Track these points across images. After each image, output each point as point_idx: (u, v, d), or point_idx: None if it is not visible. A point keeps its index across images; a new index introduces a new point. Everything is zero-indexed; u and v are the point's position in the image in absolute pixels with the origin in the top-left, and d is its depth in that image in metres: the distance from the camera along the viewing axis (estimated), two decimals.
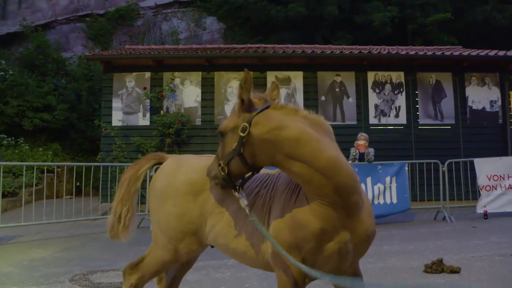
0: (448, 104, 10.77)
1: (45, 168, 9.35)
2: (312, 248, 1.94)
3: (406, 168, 8.03)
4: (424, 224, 7.80)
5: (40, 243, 6.51)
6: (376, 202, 7.62)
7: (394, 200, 7.80)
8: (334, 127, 2.07)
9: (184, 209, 2.39)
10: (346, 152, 7.70)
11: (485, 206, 8.01)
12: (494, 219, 7.82)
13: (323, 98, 10.69)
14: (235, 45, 13.52)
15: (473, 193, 8.49)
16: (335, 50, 11.72)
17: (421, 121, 10.70)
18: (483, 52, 11.17)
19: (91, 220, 8.29)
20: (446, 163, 8.30)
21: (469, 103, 10.82)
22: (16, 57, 17.75)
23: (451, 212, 8.18)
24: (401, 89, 10.76)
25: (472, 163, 8.37)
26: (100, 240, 6.67)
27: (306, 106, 9.19)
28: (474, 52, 11.30)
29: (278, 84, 2.16)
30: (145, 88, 10.44)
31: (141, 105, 10.57)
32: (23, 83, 14.35)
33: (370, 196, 7.59)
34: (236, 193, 2.09)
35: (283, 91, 10.49)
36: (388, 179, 7.82)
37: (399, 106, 10.69)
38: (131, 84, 10.63)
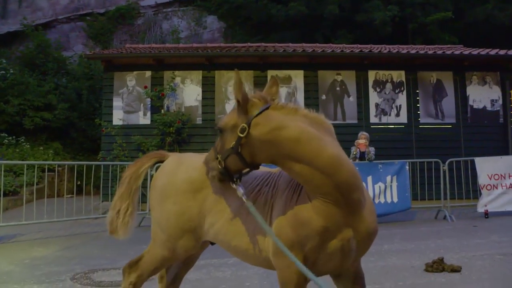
0: (449, 103, 10.76)
1: (46, 167, 9.36)
2: (315, 245, 1.94)
3: (407, 167, 8.03)
4: (425, 223, 7.80)
5: (41, 242, 6.52)
6: (377, 201, 7.63)
7: (395, 199, 7.80)
8: (334, 126, 2.06)
9: (184, 207, 2.40)
10: (346, 151, 7.63)
11: (486, 205, 8.00)
12: (495, 218, 7.81)
13: (323, 97, 10.69)
14: (235, 44, 13.52)
15: (474, 192, 8.48)
16: (336, 49, 11.71)
17: (422, 120, 10.69)
18: (484, 51, 11.16)
19: (92, 219, 8.30)
20: (447, 162, 8.30)
21: (470, 102, 10.81)
22: (17, 56, 17.75)
23: (452, 211, 8.17)
24: (402, 88, 10.76)
25: (473, 162, 8.37)
26: (101, 239, 6.68)
27: (307, 105, 9.21)
28: (475, 51, 11.28)
29: (277, 79, 2.16)
30: (145, 87, 10.45)
31: (142, 104, 10.57)
32: (23, 82, 14.35)
33: (371, 195, 7.55)
34: (234, 185, 2.10)
35: (283, 90, 10.49)
36: (388, 178, 7.83)
37: (400, 105, 10.68)
38: (132, 83, 10.63)
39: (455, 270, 4.29)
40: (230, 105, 10.40)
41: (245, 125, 1.94)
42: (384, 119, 10.65)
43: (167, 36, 19.89)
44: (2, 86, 13.83)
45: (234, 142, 1.97)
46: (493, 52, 10.96)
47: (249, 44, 13.11)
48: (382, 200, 7.73)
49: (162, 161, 2.70)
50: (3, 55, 16.89)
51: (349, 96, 10.68)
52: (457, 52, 11.31)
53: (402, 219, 7.98)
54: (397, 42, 13.82)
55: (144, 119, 10.53)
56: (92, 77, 16.35)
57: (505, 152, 9.99)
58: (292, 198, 2.05)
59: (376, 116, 10.64)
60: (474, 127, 10.63)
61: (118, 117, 10.46)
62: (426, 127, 10.65)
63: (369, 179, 7.72)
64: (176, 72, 10.56)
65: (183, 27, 20.34)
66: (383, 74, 10.79)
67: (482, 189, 8.12)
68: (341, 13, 17.96)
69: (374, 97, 10.69)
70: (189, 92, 10.65)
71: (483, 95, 10.83)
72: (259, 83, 10.15)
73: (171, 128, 9.90)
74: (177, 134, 10.09)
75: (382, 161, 8.07)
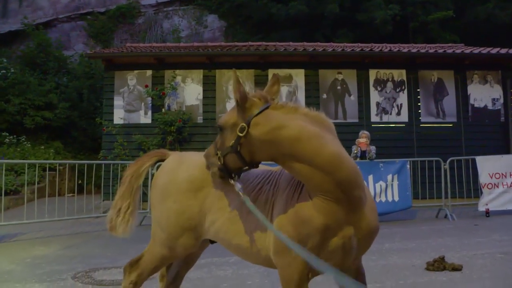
0: (450, 102, 10.75)
1: (47, 166, 9.36)
2: (316, 243, 1.94)
3: (408, 166, 8.03)
4: (426, 222, 7.79)
5: (42, 241, 6.52)
6: (378, 200, 7.62)
7: (396, 198, 7.80)
8: (335, 125, 2.06)
9: (184, 206, 2.40)
10: (347, 150, 7.64)
11: (487, 204, 8.00)
12: (496, 217, 7.81)
13: (324, 96, 10.68)
14: (236, 43, 13.51)
15: (475, 191, 8.48)
16: (337, 48, 11.69)
17: (423, 119, 10.69)
18: (485, 50, 11.16)
19: (93, 218, 8.30)
20: (448, 161, 8.29)
21: (471, 101, 10.80)
22: (18, 55, 17.76)
23: (453, 210, 8.17)
24: (403, 87, 10.75)
25: (474, 161, 8.36)
26: (102, 238, 6.68)
27: (308, 104, 9.22)
28: (476, 50, 11.28)
29: (278, 77, 2.15)
30: (146, 86, 10.45)
31: (143, 103, 10.58)
32: (24, 81, 14.36)
33: (372, 194, 7.58)
34: (232, 181, 2.11)
35: (284, 89, 10.50)
36: (390, 177, 7.82)
37: (401, 104, 10.68)
38: (133, 82, 10.63)
39: (456, 269, 4.29)
40: (231, 104, 10.32)
41: (244, 124, 1.94)
42: (385, 118, 10.64)
43: (168, 35, 19.89)
44: (3, 85, 13.85)
45: (233, 141, 1.98)
46: (494, 51, 10.95)
47: (250, 43, 13.11)
48: (383, 199, 7.73)
49: (163, 160, 2.70)
50: (4, 54, 16.90)
51: (350, 95, 10.67)
52: (458, 51, 11.30)
53: (403, 218, 7.98)
54: (398, 41, 13.80)
55: (145, 118, 10.54)
56: (93, 76, 16.37)
57: (506, 151, 10.00)
58: (293, 196, 2.05)
59: (377, 115, 10.63)
60: (475, 126, 10.62)
61: (119, 116, 10.47)
62: (427, 126, 10.64)
63: (370, 178, 7.72)
64: (177, 71, 10.57)
65: (183, 26, 20.33)
66: (384, 73, 10.78)
67: (483, 188, 8.11)
68: (342, 12, 17.94)
69: (375, 96, 10.69)
70: (190, 91, 10.65)
71: (484, 94, 10.82)
72: (260, 82, 10.15)
73: (172, 127, 9.91)
74: (178, 133, 10.09)
75: (383, 160, 8.06)
